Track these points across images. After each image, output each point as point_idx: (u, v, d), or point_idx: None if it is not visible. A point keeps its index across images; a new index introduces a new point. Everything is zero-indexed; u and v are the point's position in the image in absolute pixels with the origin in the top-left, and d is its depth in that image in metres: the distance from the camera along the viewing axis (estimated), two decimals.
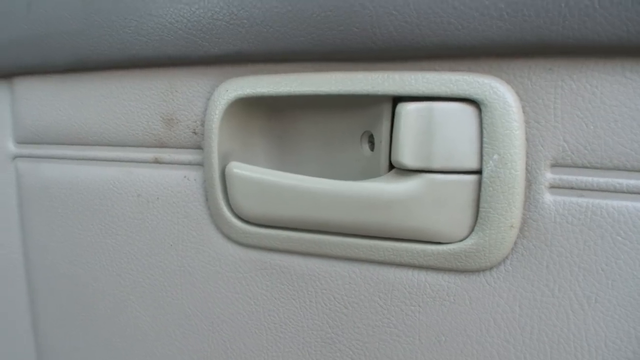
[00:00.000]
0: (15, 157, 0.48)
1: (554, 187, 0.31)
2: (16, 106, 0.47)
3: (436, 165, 0.32)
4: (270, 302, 0.39)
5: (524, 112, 0.31)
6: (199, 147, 0.40)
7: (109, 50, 0.40)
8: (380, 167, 0.36)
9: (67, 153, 0.45)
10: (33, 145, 0.47)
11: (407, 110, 0.32)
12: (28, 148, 0.47)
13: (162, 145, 0.41)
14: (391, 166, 0.35)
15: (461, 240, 0.33)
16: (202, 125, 0.39)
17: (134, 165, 0.42)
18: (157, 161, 0.41)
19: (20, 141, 0.48)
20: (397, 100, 0.34)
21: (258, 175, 0.36)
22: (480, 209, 0.32)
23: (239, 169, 0.37)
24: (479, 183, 0.32)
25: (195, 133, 0.39)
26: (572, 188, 0.31)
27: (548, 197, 0.31)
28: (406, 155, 0.32)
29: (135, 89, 0.41)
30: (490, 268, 0.33)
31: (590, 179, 0.31)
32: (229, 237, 0.40)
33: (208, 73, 0.38)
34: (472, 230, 0.33)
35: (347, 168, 0.38)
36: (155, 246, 0.43)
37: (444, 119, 0.32)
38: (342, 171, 0.38)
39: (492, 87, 0.31)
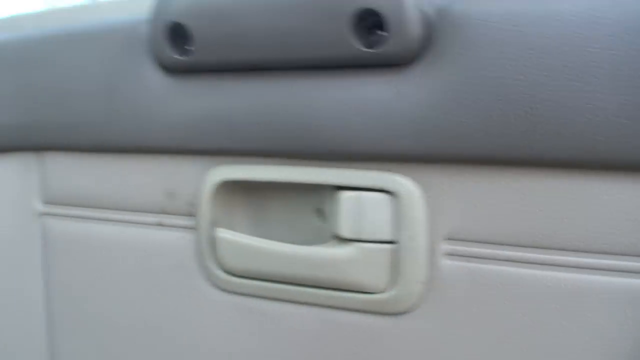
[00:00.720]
0: (42, 214, 0.60)
1: (449, 255, 0.44)
2: (45, 173, 0.59)
3: (364, 237, 0.45)
4: (246, 337, 0.51)
5: (426, 201, 0.44)
6: (192, 215, 0.52)
7: (125, 139, 0.52)
8: (327, 235, 0.49)
9: (87, 214, 0.57)
10: (59, 205, 0.59)
11: (344, 197, 0.45)
12: (54, 208, 0.59)
13: (164, 212, 0.53)
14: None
15: (383, 292, 0.45)
16: (196, 199, 0.51)
17: (142, 226, 0.54)
18: (160, 224, 0.53)
19: (47, 201, 0.60)
20: (339, 187, 0.47)
21: (238, 239, 0.49)
22: (396, 269, 0.45)
23: (224, 233, 0.49)
24: (395, 251, 0.45)
25: (190, 205, 0.52)
26: (462, 255, 0.44)
27: (445, 262, 0.44)
28: (343, 230, 0.45)
29: (145, 169, 0.53)
30: (405, 312, 0.45)
31: (476, 249, 0.43)
32: (215, 286, 0.52)
33: (202, 160, 0.51)
34: (391, 284, 0.45)
35: (304, 234, 0.50)
36: (157, 292, 0.54)
37: (370, 204, 0.45)
38: (300, 236, 0.50)
39: (403, 183, 0.44)
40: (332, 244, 0.47)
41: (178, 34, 0.48)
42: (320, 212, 0.50)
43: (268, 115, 0.46)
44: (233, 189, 0.50)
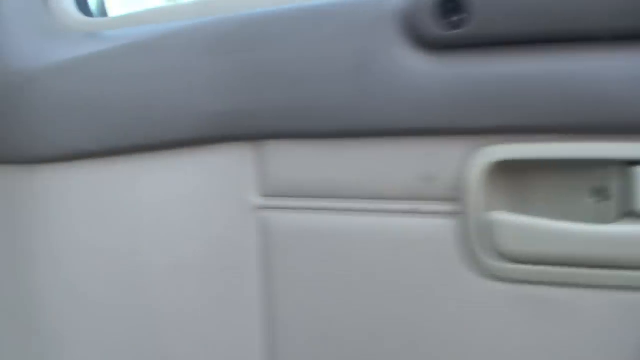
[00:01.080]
0: (260, 208, 0.57)
1: None
2: (264, 164, 0.56)
3: None
4: (530, 330, 0.48)
5: None
6: (453, 200, 0.49)
7: (374, 123, 0.50)
8: (608, 215, 0.46)
9: (319, 204, 0.55)
10: (282, 197, 0.56)
11: None
12: (275, 200, 0.57)
13: (418, 198, 0.51)
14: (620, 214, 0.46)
15: None
16: (460, 182, 0.49)
17: (390, 215, 0.52)
18: (413, 212, 0.51)
19: (267, 194, 0.57)
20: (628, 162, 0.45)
21: (524, 222, 0.47)
22: None
23: (504, 216, 0.47)
24: None
25: (453, 189, 0.49)
26: None
27: None
28: None
29: (393, 154, 0.51)
30: None
31: None
32: (485, 275, 0.49)
33: (467, 141, 0.48)
34: None
35: (578, 214, 0.48)
36: (411, 287, 0.52)
37: None
38: (574, 217, 0.48)
39: None
40: (630, 222, 0.44)
41: (448, 8, 0.46)
42: (598, 190, 0.47)
43: (554, 89, 0.45)
44: (504, 169, 0.48)
